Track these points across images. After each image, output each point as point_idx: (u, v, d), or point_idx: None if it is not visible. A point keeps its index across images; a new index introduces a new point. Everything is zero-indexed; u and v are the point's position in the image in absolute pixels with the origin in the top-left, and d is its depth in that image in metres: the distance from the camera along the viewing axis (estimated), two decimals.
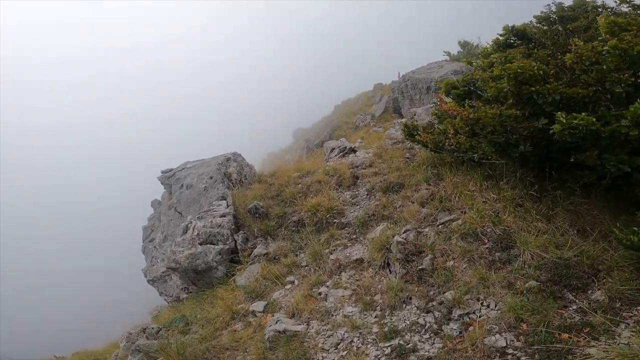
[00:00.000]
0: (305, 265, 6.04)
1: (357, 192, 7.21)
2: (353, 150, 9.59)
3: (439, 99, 6.37)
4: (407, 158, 7.69)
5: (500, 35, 6.55)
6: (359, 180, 7.55)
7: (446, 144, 5.37)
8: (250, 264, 6.71)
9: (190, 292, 7.42)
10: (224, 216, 7.33)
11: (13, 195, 53.93)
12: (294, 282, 5.74)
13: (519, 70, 4.34)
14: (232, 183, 8.65)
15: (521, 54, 5.10)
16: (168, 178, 9.86)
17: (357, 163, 8.37)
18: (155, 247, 9.88)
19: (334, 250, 5.97)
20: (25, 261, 41.91)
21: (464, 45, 20.16)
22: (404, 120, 6.33)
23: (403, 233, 4.89)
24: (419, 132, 5.90)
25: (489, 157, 5.02)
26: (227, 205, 7.67)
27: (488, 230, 4.71)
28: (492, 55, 5.61)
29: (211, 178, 8.41)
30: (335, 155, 9.51)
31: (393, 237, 5.00)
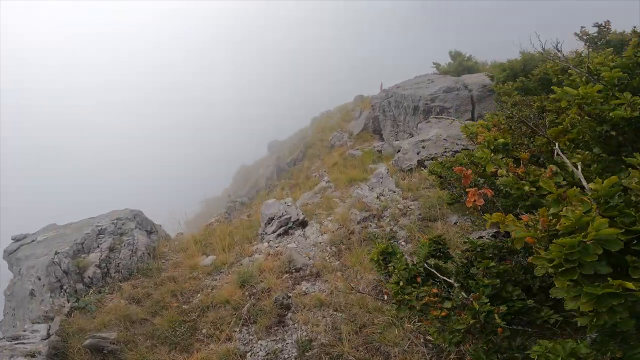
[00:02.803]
0: None
1: (279, 346, 3.82)
2: (302, 224, 6.19)
3: (468, 191, 2.38)
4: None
5: None
6: (289, 315, 4.15)
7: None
8: None
9: None
10: (33, 357, 3.84)
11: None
12: None
13: None
14: (85, 282, 5.14)
15: None
16: (9, 254, 6.28)
17: (298, 263, 5.00)
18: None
19: None
20: None
21: (455, 56, 17.16)
22: (375, 249, 2.93)
23: None
24: (405, 295, 2.50)
25: None
26: (47, 335, 4.19)
27: None
28: None
29: (39, 279, 4.90)
30: (273, 232, 6.09)
31: None
